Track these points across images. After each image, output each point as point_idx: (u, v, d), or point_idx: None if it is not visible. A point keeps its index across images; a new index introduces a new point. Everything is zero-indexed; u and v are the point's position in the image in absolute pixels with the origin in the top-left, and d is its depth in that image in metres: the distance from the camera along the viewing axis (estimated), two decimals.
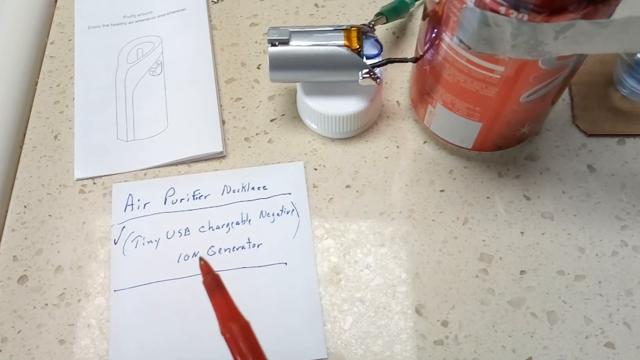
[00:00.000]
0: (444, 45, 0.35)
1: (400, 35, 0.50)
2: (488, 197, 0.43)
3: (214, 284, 0.28)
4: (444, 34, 0.34)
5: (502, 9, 0.29)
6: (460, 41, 0.31)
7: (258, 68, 0.49)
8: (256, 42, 0.50)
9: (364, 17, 0.51)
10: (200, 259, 0.28)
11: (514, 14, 0.28)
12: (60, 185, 0.44)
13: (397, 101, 0.47)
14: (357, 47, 0.41)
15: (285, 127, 0.46)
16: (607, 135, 0.45)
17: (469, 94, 0.36)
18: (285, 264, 0.41)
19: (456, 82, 0.36)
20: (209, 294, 0.28)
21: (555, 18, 0.28)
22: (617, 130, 0.45)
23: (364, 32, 0.42)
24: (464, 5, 0.30)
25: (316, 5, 0.52)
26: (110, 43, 0.50)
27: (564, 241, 0.41)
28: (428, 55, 0.38)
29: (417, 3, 0.51)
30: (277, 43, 0.40)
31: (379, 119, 0.46)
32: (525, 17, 0.28)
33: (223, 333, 0.27)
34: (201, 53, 0.49)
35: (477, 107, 0.37)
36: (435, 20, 0.35)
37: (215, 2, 0.52)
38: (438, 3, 0.33)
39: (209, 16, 0.51)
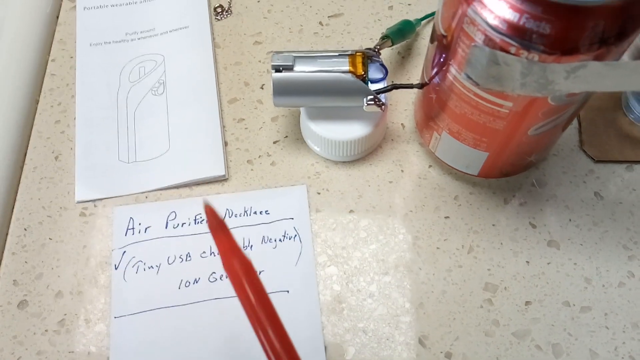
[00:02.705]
0: (450, 77, 0.34)
1: (405, 55, 0.50)
2: (493, 225, 0.43)
3: (217, 226, 0.29)
4: (451, 66, 0.33)
5: (513, 49, 0.28)
6: (469, 77, 0.31)
7: (261, 88, 0.49)
8: (260, 61, 0.50)
9: (369, 35, 0.51)
10: (205, 204, 0.29)
11: (524, 54, 0.28)
12: (60, 208, 0.44)
13: (401, 123, 0.47)
14: (362, 73, 0.40)
15: (288, 149, 0.46)
16: (615, 161, 0.45)
17: (476, 126, 0.36)
18: (288, 291, 0.40)
19: (463, 113, 0.35)
20: (213, 234, 0.29)
21: (566, 59, 0.28)
22: (625, 156, 0.44)
23: (369, 57, 0.42)
24: (473, 44, 0.29)
25: (320, 23, 0.51)
26: (112, 61, 0.49)
27: (570, 271, 0.41)
28: (434, 82, 0.37)
29: (422, 22, 0.50)
30: (281, 69, 0.40)
31: (383, 141, 0.46)
32: (536, 58, 0.28)
33: (225, 269, 0.28)
34: (204, 72, 0.48)
35: (484, 138, 0.37)
36: (442, 50, 0.34)
37: (218, 19, 0.51)
38: (445, 36, 0.32)
39: (212, 34, 0.51)
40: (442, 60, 0.35)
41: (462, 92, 0.34)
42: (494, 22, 0.28)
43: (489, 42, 0.29)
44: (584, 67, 0.28)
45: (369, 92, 0.40)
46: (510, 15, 0.27)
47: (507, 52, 0.28)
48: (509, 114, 0.33)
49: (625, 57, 0.30)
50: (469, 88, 0.33)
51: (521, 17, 0.27)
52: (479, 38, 0.29)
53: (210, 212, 0.29)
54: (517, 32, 0.28)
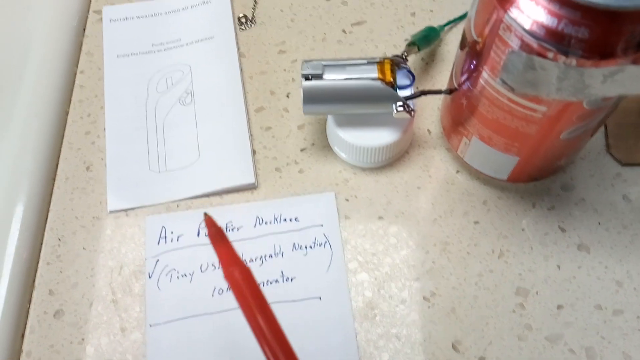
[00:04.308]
0: (482, 82, 0.35)
1: (429, 61, 0.50)
2: (523, 229, 0.43)
3: (217, 236, 0.31)
4: (483, 71, 0.34)
5: (550, 54, 0.28)
6: (504, 82, 0.31)
7: (287, 96, 0.49)
8: (284, 70, 0.50)
9: (392, 42, 0.51)
10: (205, 214, 0.31)
11: (562, 58, 0.28)
12: (93, 218, 0.44)
13: (427, 129, 0.47)
14: (391, 80, 0.40)
15: (315, 156, 0.46)
16: None
17: (507, 130, 0.36)
18: (320, 298, 0.40)
19: (495, 118, 0.36)
20: (213, 244, 0.31)
21: (604, 63, 0.28)
22: None
23: (396, 64, 0.42)
24: (510, 49, 0.30)
25: (344, 31, 0.52)
26: (139, 72, 0.50)
27: (601, 275, 0.41)
28: (464, 88, 0.37)
29: (445, 28, 0.51)
30: (310, 77, 0.40)
31: (410, 147, 0.46)
32: (574, 63, 0.28)
33: (226, 277, 0.30)
34: (231, 82, 0.49)
35: (516, 142, 0.37)
36: (474, 55, 0.35)
37: (243, 29, 0.52)
38: (478, 42, 0.33)
39: (237, 44, 0.51)
40: (473, 65, 0.35)
41: (495, 97, 0.34)
42: (531, 27, 0.28)
43: (525, 47, 0.29)
44: (622, 71, 0.28)
45: (399, 99, 0.40)
46: (549, 20, 0.28)
47: (545, 57, 0.29)
48: (542, 118, 0.34)
49: None
50: (502, 93, 0.34)
51: (560, 22, 0.27)
52: (515, 44, 0.30)
53: (210, 222, 0.30)
54: (555, 38, 0.28)
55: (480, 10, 0.32)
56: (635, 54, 0.28)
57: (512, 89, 0.31)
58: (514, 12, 0.29)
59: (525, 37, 0.29)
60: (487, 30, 0.31)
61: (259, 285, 0.31)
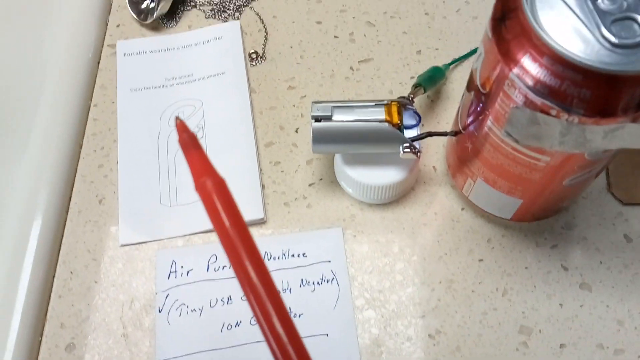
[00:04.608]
0: (487, 129, 0.36)
1: (435, 99, 0.51)
2: (526, 267, 0.44)
3: (189, 142, 0.26)
4: (488, 120, 0.35)
5: (553, 112, 0.29)
6: (508, 134, 0.32)
7: (296, 132, 0.50)
8: (294, 106, 0.51)
9: (398, 79, 0.52)
10: (177, 118, 0.27)
11: (564, 116, 0.29)
12: (105, 251, 0.45)
13: (433, 166, 0.48)
14: (398, 122, 0.42)
15: (323, 191, 0.47)
16: None
17: (511, 175, 0.37)
18: (327, 335, 0.41)
19: (499, 164, 0.37)
20: (184, 151, 0.26)
21: (605, 121, 0.29)
22: None
23: (403, 105, 0.43)
24: (514, 105, 0.31)
25: (351, 68, 0.53)
26: (152, 106, 0.51)
27: (603, 314, 0.42)
28: (469, 131, 0.38)
29: (452, 66, 0.52)
30: (320, 119, 0.41)
31: (416, 184, 0.47)
32: (576, 120, 0.29)
33: (196, 189, 0.26)
34: (241, 117, 0.50)
35: (519, 186, 0.38)
36: (479, 103, 0.36)
37: (253, 65, 0.53)
38: (485, 94, 0.34)
39: (248, 79, 0.52)
40: (478, 113, 0.36)
41: (499, 145, 0.35)
42: (535, 86, 0.29)
43: (529, 104, 0.30)
44: (622, 128, 0.29)
45: (405, 140, 0.41)
46: (552, 81, 0.29)
47: (548, 114, 0.30)
48: (545, 167, 0.35)
49: None
50: (506, 142, 0.35)
51: (562, 83, 0.28)
52: (519, 100, 0.31)
53: (182, 127, 0.27)
54: (558, 97, 0.29)
55: (485, 65, 0.33)
56: (635, 113, 0.29)
57: (516, 141, 0.32)
58: (518, 71, 0.30)
59: (529, 94, 0.30)
60: (492, 84, 0.32)
61: (235, 202, 0.26)
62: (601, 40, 0.28)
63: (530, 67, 0.29)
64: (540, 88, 0.29)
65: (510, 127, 0.32)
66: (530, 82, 0.29)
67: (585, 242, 0.45)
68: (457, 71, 0.53)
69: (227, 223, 0.25)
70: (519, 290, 0.43)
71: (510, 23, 0.30)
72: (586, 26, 0.28)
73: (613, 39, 0.28)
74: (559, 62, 0.28)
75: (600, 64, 0.27)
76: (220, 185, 0.26)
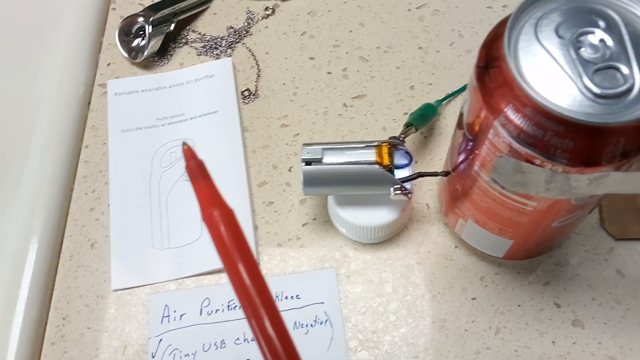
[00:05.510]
0: (474, 174, 0.36)
1: (427, 135, 0.51)
2: (519, 305, 0.44)
3: (197, 170, 0.26)
4: (476, 166, 0.35)
5: (537, 161, 0.29)
6: (494, 181, 0.32)
7: (289, 170, 0.50)
8: (287, 144, 0.51)
9: (392, 116, 0.52)
10: (184, 144, 0.26)
11: (548, 165, 0.29)
12: (97, 296, 0.45)
13: (426, 204, 0.48)
14: (389, 163, 0.42)
15: (316, 231, 0.47)
16: (635, 239, 0.46)
17: (501, 218, 0.37)
18: None
19: (489, 207, 0.37)
20: (192, 179, 0.26)
21: (589, 170, 0.29)
22: None
23: (394, 145, 0.43)
24: (499, 154, 0.31)
25: (344, 105, 0.53)
26: (143, 146, 0.51)
27: (595, 351, 0.42)
28: (459, 172, 0.38)
29: (444, 102, 0.52)
30: (310, 162, 0.41)
31: (409, 222, 0.47)
32: (560, 169, 0.29)
33: (204, 219, 0.25)
34: (234, 156, 0.50)
35: (509, 228, 0.38)
36: (466, 147, 0.36)
37: (246, 103, 0.53)
38: (471, 139, 0.34)
39: (241, 118, 0.53)
40: (466, 154, 0.36)
41: (487, 190, 0.35)
42: (519, 136, 0.29)
43: (514, 152, 0.30)
44: (606, 176, 0.29)
45: (396, 182, 0.41)
46: (535, 131, 0.29)
47: (532, 163, 0.30)
48: (533, 211, 0.35)
49: None
50: (494, 187, 0.35)
51: (545, 133, 0.29)
52: (504, 148, 0.31)
53: (189, 154, 0.26)
54: (541, 147, 0.29)
55: (471, 111, 0.33)
56: (619, 162, 0.29)
57: (502, 187, 0.32)
58: (503, 120, 0.30)
59: (513, 144, 0.30)
60: (477, 130, 0.32)
61: (243, 233, 0.25)
62: (584, 90, 0.28)
63: (514, 117, 0.29)
64: (523, 138, 0.29)
65: (496, 174, 0.32)
66: (514, 132, 0.30)
67: (577, 279, 0.44)
68: (451, 106, 0.53)
69: (234, 255, 0.25)
70: (512, 329, 0.43)
71: (493, 72, 0.30)
72: (569, 76, 0.28)
73: (595, 90, 0.28)
74: (541, 113, 0.28)
75: (583, 115, 0.27)
76: (229, 216, 0.25)
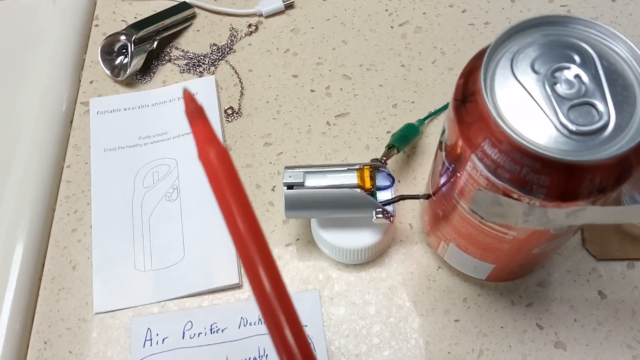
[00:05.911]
0: (454, 202, 0.36)
1: (410, 154, 0.51)
2: (502, 327, 0.44)
3: (196, 113, 0.26)
4: (456, 194, 0.35)
5: (515, 195, 0.29)
6: (474, 212, 0.32)
7: (272, 190, 0.50)
8: (270, 163, 0.51)
9: (374, 134, 0.52)
10: (184, 89, 0.27)
11: (526, 199, 0.29)
12: (79, 320, 0.45)
13: (409, 224, 0.48)
14: (370, 186, 0.42)
15: (300, 252, 0.47)
16: (616, 259, 0.46)
17: (481, 244, 0.37)
18: None
19: (469, 233, 0.37)
20: (190, 121, 0.26)
21: (565, 204, 0.29)
22: (627, 254, 0.46)
23: (376, 168, 0.43)
24: (477, 188, 0.31)
25: (328, 123, 0.53)
26: (126, 166, 0.51)
27: None
28: (440, 195, 0.38)
29: (427, 121, 0.52)
30: (292, 185, 0.41)
31: (392, 242, 0.47)
32: (537, 204, 0.29)
33: (200, 157, 0.26)
34: None
35: (490, 254, 0.38)
36: (447, 174, 0.36)
37: (229, 121, 0.53)
38: (451, 168, 0.34)
39: (224, 136, 0.52)
40: (446, 180, 0.36)
41: (467, 217, 0.35)
42: (496, 170, 0.30)
43: (491, 186, 0.30)
44: (583, 209, 0.29)
45: (378, 206, 0.41)
46: (511, 167, 0.29)
47: (510, 196, 0.30)
48: (513, 239, 0.35)
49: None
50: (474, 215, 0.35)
51: (522, 169, 0.29)
52: (482, 181, 0.31)
53: (189, 98, 0.26)
54: (518, 182, 0.29)
55: (449, 142, 0.33)
56: (595, 197, 0.29)
57: (481, 217, 0.32)
58: (479, 155, 0.30)
59: (491, 177, 0.30)
60: (457, 161, 0.32)
61: (237, 173, 0.26)
62: (559, 127, 0.28)
63: (490, 152, 0.29)
64: (500, 173, 0.29)
65: (475, 205, 0.32)
66: (491, 166, 0.30)
67: (560, 300, 0.45)
68: (433, 124, 0.53)
69: (228, 193, 0.25)
70: (494, 351, 0.43)
71: (470, 106, 0.30)
72: (544, 112, 0.29)
73: (571, 126, 0.28)
74: (517, 149, 0.28)
75: (558, 152, 0.27)
76: (224, 156, 0.26)
